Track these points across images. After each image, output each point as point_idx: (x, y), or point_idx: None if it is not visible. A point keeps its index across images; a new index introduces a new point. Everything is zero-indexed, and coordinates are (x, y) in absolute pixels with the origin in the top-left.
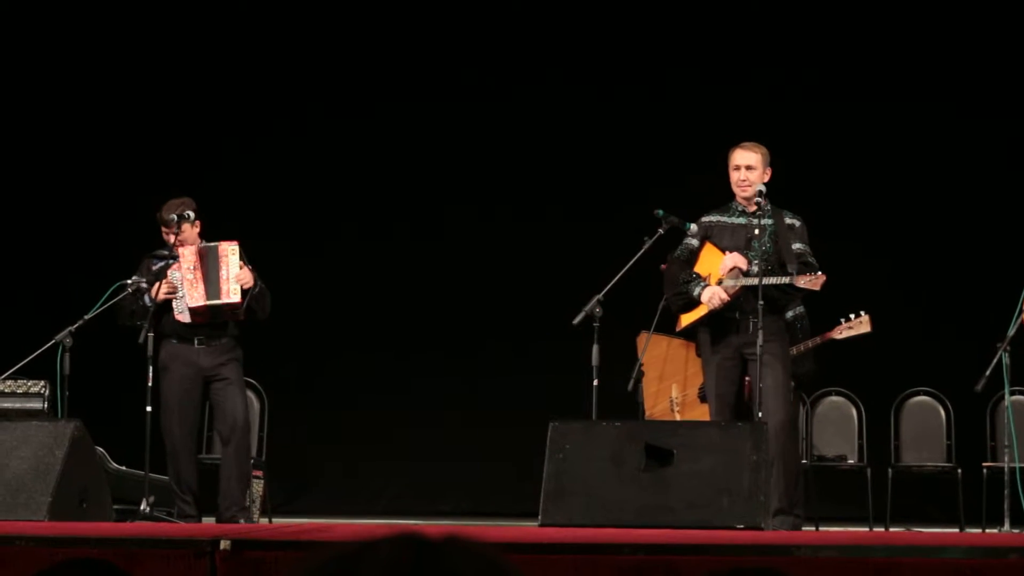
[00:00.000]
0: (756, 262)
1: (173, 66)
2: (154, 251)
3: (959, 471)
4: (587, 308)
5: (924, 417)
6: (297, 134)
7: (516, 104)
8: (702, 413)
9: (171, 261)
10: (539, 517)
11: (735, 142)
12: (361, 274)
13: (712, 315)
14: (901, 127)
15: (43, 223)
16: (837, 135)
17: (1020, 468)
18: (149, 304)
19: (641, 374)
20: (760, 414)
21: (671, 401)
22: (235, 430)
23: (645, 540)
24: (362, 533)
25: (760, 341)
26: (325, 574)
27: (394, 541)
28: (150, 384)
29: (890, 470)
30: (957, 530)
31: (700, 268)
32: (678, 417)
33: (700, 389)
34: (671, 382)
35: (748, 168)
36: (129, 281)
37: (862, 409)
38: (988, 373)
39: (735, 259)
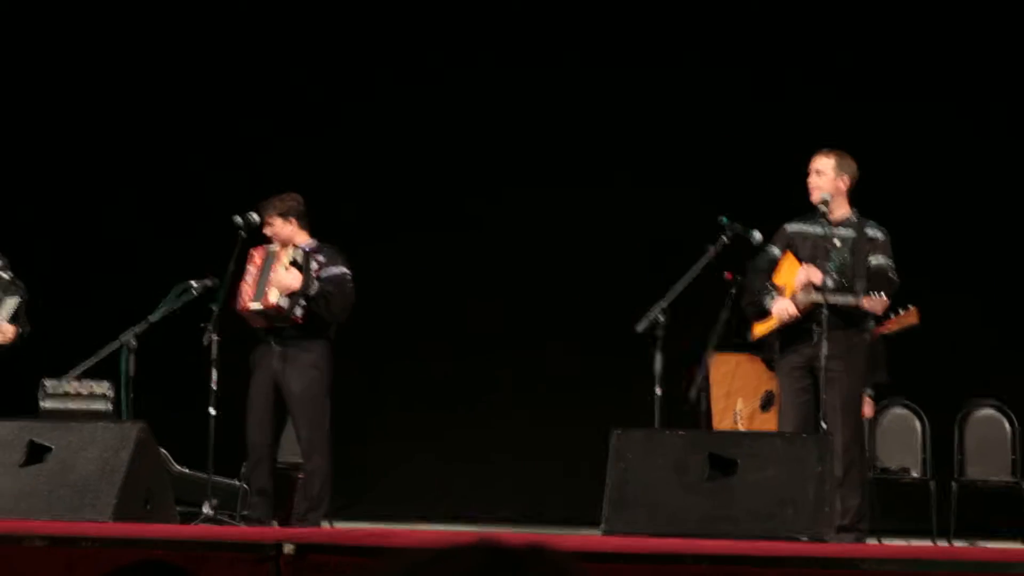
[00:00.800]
0: (833, 274)
1: (226, 69)
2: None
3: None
4: (651, 315)
5: (989, 430)
6: (334, 125)
7: (582, 105)
8: (763, 423)
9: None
10: (602, 525)
11: (806, 149)
12: (419, 276)
13: (786, 325)
14: (967, 128)
15: (109, 223)
16: (903, 137)
17: None
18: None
19: (706, 384)
20: (826, 427)
21: (735, 414)
22: (302, 434)
23: (709, 551)
24: (427, 539)
25: (826, 352)
26: None
27: (475, 549)
28: (213, 386)
29: (954, 484)
30: (1022, 546)
31: (779, 278)
32: (742, 429)
33: (761, 398)
34: (737, 397)
35: (818, 173)
36: (193, 282)
37: (926, 421)
38: None
39: (809, 273)
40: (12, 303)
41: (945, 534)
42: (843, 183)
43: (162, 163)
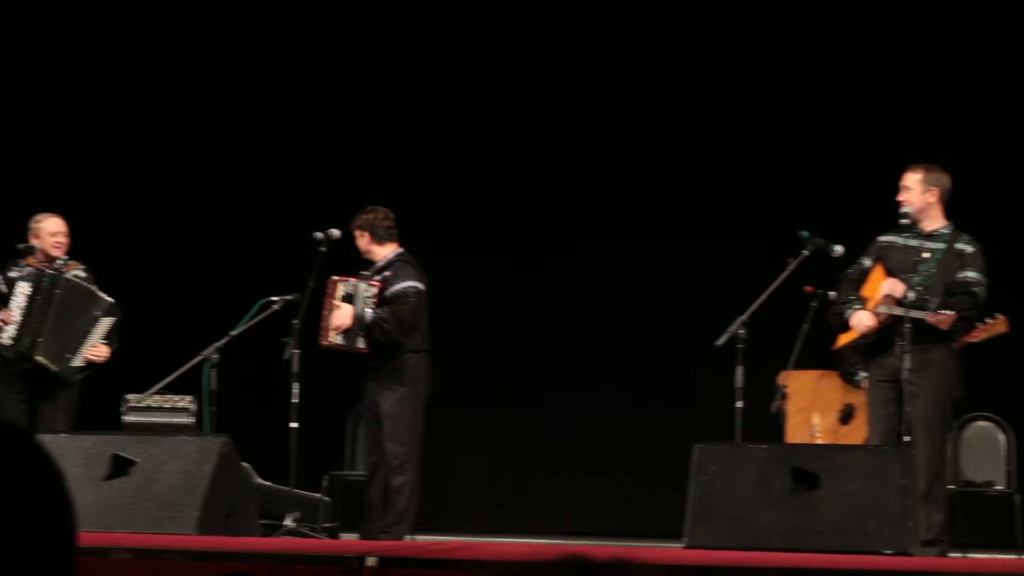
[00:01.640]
0: (918, 288)
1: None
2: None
3: None
4: (731, 329)
5: None
6: (445, 152)
7: (663, 122)
8: (845, 437)
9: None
10: (684, 539)
11: (885, 165)
12: (503, 293)
13: (873, 337)
14: None
15: (192, 239)
16: (996, 146)
17: None
18: None
19: (784, 395)
20: (908, 439)
21: (812, 427)
22: (388, 449)
23: (793, 564)
24: (508, 552)
25: (907, 366)
26: None
27: (564, 563)
28: (294, 400)
29: None
30: None
31: (867, 289)
32: (820, 442)
33: (840, 412)
34: (813, 412)
35: (906, 189)
36: (275, 298)
37: (1010, 434)
38: None
39: (891, 286)
40: (107, 323)
41: None
42: (931, 196)
43: (246, 178)
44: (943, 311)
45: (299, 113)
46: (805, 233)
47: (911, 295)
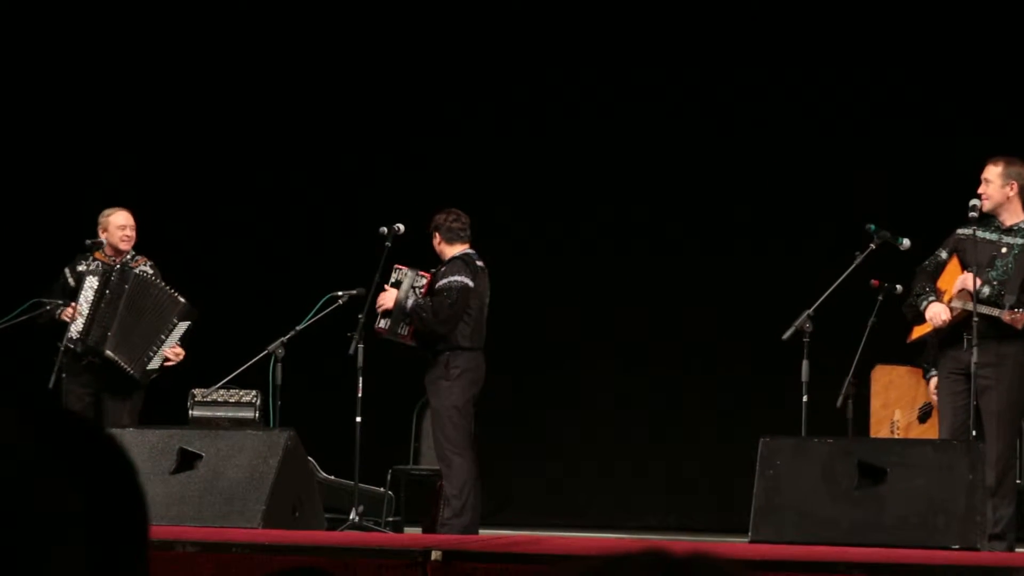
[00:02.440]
0: (994, 283)
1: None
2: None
3: None
4: (797, 323)
5: None
6: (481, 142)
7: (722, 119)
8: (920, 435)
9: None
10: (749, 533)
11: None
12: (561, 289)
13: (946, 330)
14: None
15: (259, 234)
16: None
17: None
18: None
19: (852, 390)
20: (975, 434)
21: (892, 423)
22: (437, 443)
23: (860, 559)
24: (576, 546)
25: (976, 360)
26: None
27: (641, 557)
28: (359, 394)
29: None
30: None
31: (943, 282)
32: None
33: (919, 410)
34: (895, 408)
35: (986, 182)
36: (340, 293)
37: None
38: None
39: (965, 280)
40: (183, 327)
41: None
42: (1012, 189)
43: (313, 173)
44: (1018, 309)
45: (367, 109)
46: (872, 227)
47: (986, 290)
